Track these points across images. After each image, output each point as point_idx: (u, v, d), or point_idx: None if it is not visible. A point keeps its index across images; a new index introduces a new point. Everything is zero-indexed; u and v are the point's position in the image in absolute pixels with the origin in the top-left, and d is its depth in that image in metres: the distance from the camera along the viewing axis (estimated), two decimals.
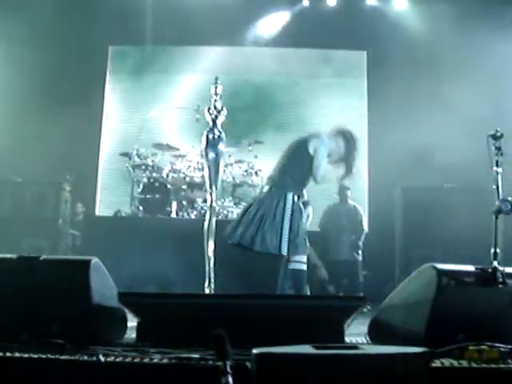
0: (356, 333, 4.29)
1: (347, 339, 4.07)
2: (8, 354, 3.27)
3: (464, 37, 9.55)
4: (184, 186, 9.13)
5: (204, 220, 5.71)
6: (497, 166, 4.24)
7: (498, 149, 4.24)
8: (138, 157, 9.34)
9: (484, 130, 4.34)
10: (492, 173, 4.25)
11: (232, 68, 10.64)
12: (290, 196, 5.60)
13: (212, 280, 5.54)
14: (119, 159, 9.99)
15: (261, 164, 9.28)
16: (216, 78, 5.72)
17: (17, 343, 3.55)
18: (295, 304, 4.26)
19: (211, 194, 5.70)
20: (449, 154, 8.78)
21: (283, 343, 2.74)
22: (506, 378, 3.12)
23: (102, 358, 3.22)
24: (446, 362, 3.26)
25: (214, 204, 5.72)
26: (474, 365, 3.26)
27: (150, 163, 9.31)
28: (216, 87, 5.68)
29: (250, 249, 5.54)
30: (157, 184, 9.08)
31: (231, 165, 9.26)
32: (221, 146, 5.70)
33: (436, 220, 8.52)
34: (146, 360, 3.24)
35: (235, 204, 9.11)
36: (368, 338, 4.12)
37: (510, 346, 3.51)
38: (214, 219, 5.67)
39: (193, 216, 8.98)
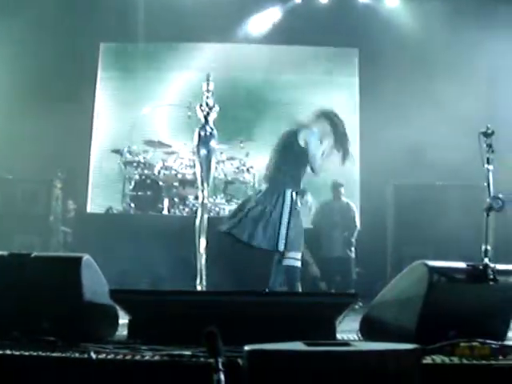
0: (348, 329, 4.29)
1: (339, 336, 4.07)
2: None
3: (456, 34, 9.58)
4: (176, 183, 9.11)
5: (196, 217, 5.70)
6: (488, 163, 4.25)
7: (489, 146, 4.25)
8: (130, 154, 9.32)
9: (475, 127, 4.35)
10: (483, 170, 4.26)
11: (224, 65, 10.59)
12: (288, 193, 5.62)
13: (204, 277, 5.53)
14: (111, 156, 9.96)
15: (252, 161, 9.27)
16: (208, 75, 5.70)
17: (8, 340, 3.54)
18: (287, 301, 4.26)
19: (203, 191, 5.69)
20: (441, 152, 8.81)
21: (275, 340, 2.74)
22: (496, 374, 3.13)
23: (94, 355, 3.21)
24: (438, 358, 3.27)
25: (205, 201, 5.71)
26: (465, 361, 3.27)
27: (142, 160, 9.30)
28: (208, 84, 5.66)
29: (248, 244, 5.56)
30: (148, 181, 9.07)
31: (223, 162, 9.25)
32: (212, 143, 5.69)
33: (428, 217, 8.55)
34: (138, 357, 3.24)
35: (227, 201, 9.11)
36: (360, 335, 4.13)
37: (500, 343, 3.52)
38: (205, 216, 5.66)
39: (184, 213, 8.97)
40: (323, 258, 8.82)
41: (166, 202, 9.00)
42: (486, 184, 4.25)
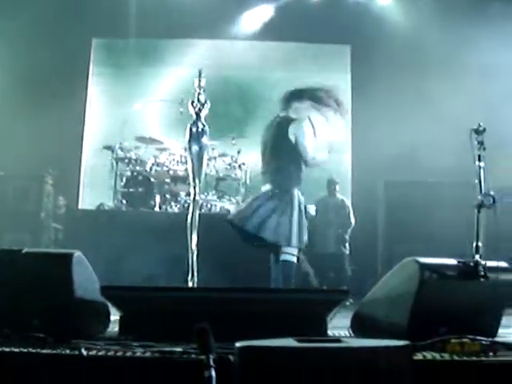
0: (339, 326, 4.30)
1: (330, 332, 4.07)
2: None
3: (448, 32, 9.60)
4: (167, 180, 9.09)
5: (187, 213, 5.69)
6: (479, 160, 4.26)
7: (481, 143, 4.25)
8: (122, 150, 9.29)
9: (467, 125, 4.36)
10: (474, 167, 4.27)
11: (216, 62, 10.59)
12: (295, 192, 5.79)
13: (195, 273, 5.53)
14: (102, 152, 9.91)
15: (244, 158, 9.27)
16: (200, 71, 5.68)
17: None
18: (278, 297, 4.26)
19: (194, 188, 5.68)
20: (432, 149, 8.83)
21: (266, 336, 2.74)
22: (487, 370, 3.14)
23: (85, 352, 3.20)
24: (428, 354, 3.28)
25: (197, 197, 5.69)
26: (455, 358, 3.27)
27: (134, 156, 9.26)
28: (200, 80, 5.65)
29: (255, 234, 5.65)
30: (140, 177, 9.05)
31: (215, 158, 9.23)
32: (204, 140, 5.67)
33: (419, 214, 8.58)
34: (129, 354, 3.23)
35: (219, 197, 9.10)
36: (351, 332, 4.13)
37: (491, 339, 3.53)
38: (197, 212, 5.65)
39: (176, 209, 8.95)
40: (317, 255, 8.83)
41: (157, 198, 8.99)
42: (477, 181, 4.26)
